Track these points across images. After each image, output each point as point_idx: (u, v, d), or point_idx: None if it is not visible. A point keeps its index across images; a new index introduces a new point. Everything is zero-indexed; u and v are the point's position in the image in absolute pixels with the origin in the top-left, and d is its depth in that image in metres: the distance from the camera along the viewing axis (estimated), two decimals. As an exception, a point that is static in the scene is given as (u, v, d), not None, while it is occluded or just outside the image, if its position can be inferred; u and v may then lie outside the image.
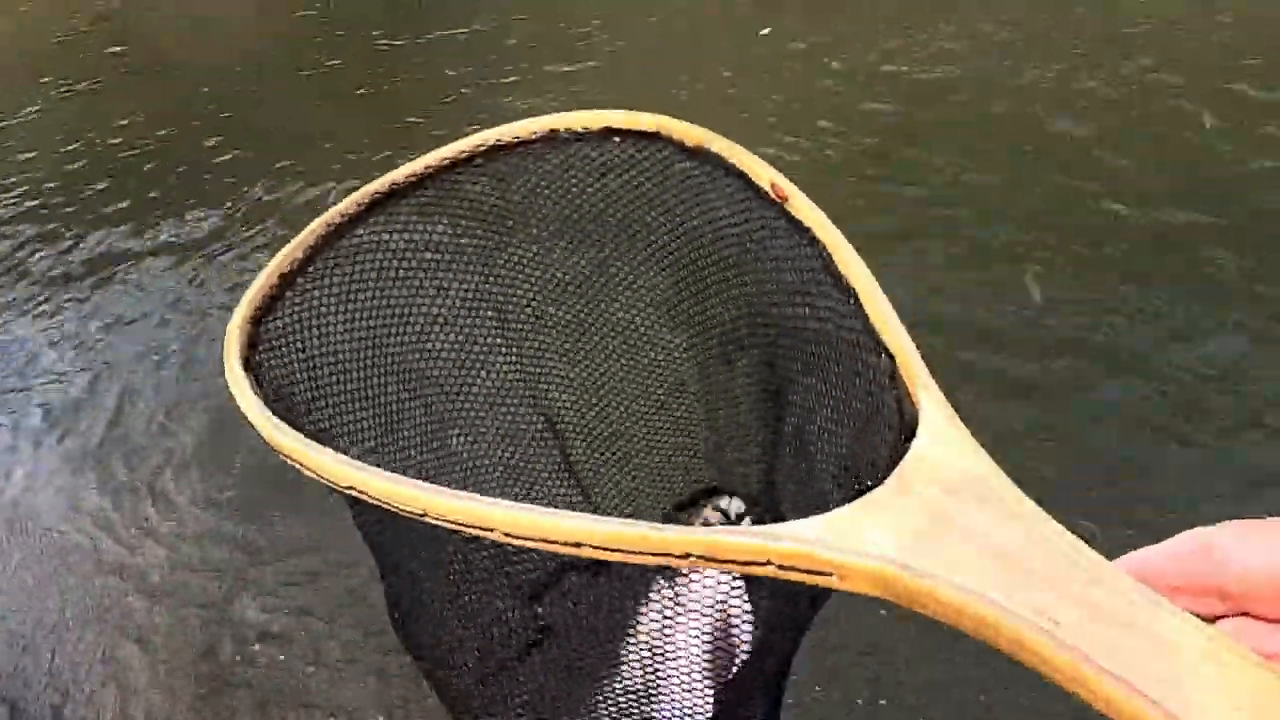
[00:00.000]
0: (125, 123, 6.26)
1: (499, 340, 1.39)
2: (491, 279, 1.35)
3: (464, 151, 1.26)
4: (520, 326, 1.39)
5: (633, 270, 1.32)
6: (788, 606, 1.00)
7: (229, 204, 5.05)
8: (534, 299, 1.38)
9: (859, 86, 4.91)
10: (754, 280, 1.08)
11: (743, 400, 1.21)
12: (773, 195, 0.99)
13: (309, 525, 2.90)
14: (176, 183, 5.48)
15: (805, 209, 0.95)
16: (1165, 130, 4.44)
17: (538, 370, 1.42)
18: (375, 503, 0.82)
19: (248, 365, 1.02)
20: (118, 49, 7.56)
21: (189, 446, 3.29)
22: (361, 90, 6.00)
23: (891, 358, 0.77)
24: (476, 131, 1.26)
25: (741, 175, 1.06)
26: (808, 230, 0.93)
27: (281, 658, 2.48)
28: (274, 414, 0.92)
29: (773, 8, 5.92)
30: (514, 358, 1.41)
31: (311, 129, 5.52)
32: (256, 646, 2.48)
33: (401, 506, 0.80)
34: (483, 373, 1.37)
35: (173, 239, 4.86)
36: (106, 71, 7.14)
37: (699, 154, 1.12)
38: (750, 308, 1.12)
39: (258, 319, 1.09)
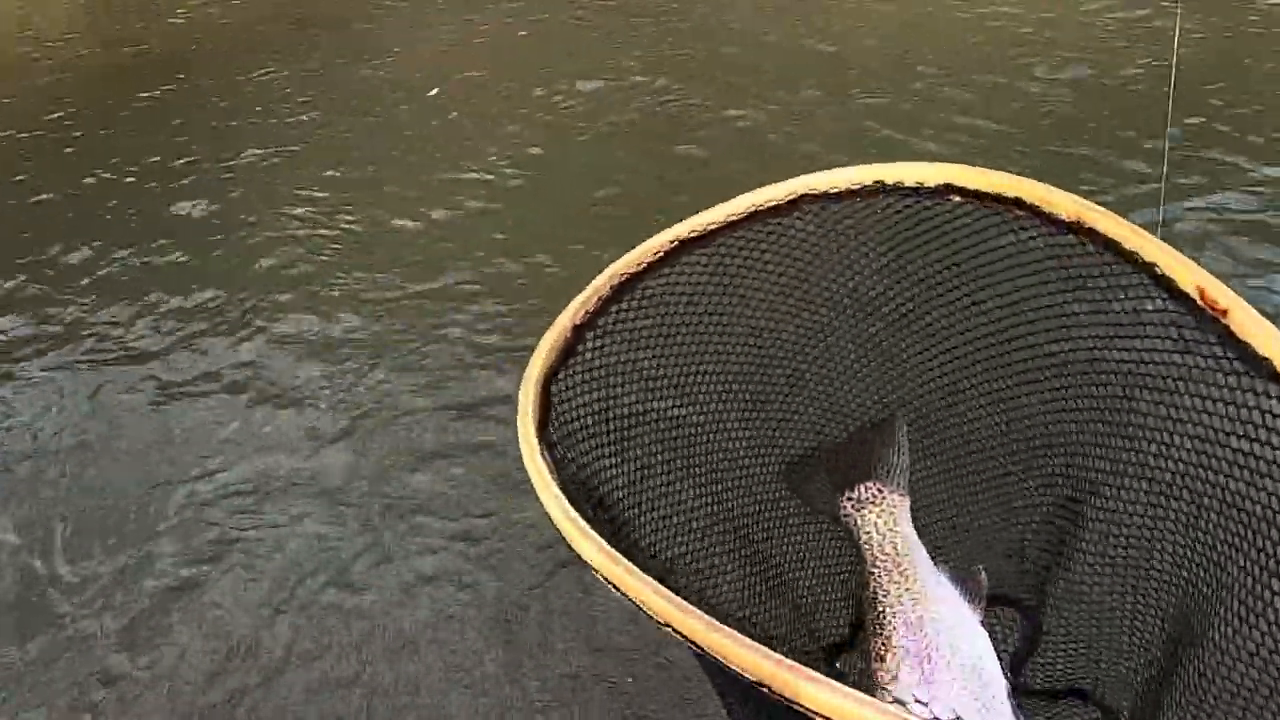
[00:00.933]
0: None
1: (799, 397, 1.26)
2: (792, 332, 1.22)
3: (772, 200, 1.13)
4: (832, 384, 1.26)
5: (962, 355, 1.15)
6: None
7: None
8: (842, 364, 1.24)
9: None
10: (1149, 411, 0.89)
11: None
12: (1200, 303, 0.79)
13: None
14: None
15: (1250, 324, 0.75)
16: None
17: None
18: (693, 647, 0.71)
19: (543, 437, 0.94)
20: None
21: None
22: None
23: None
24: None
25: (1138, 263, 0.86)
26: (1256, 354, 0.73)
27: None
28: (572, 504, 0.84)
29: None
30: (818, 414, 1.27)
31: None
32: None
33: (730, 663, 0.68)
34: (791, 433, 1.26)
35: None
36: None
37: (1072, 228, 0.94)
38: (1141, 445, 0.92)
39: (550, 377, 1.02)
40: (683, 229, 1.13)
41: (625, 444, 1.07)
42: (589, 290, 1.08)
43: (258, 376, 3.38)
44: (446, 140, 4.69)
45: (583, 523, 0.79)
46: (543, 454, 0.89)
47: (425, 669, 2.27)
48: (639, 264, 1.12)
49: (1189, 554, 0.95)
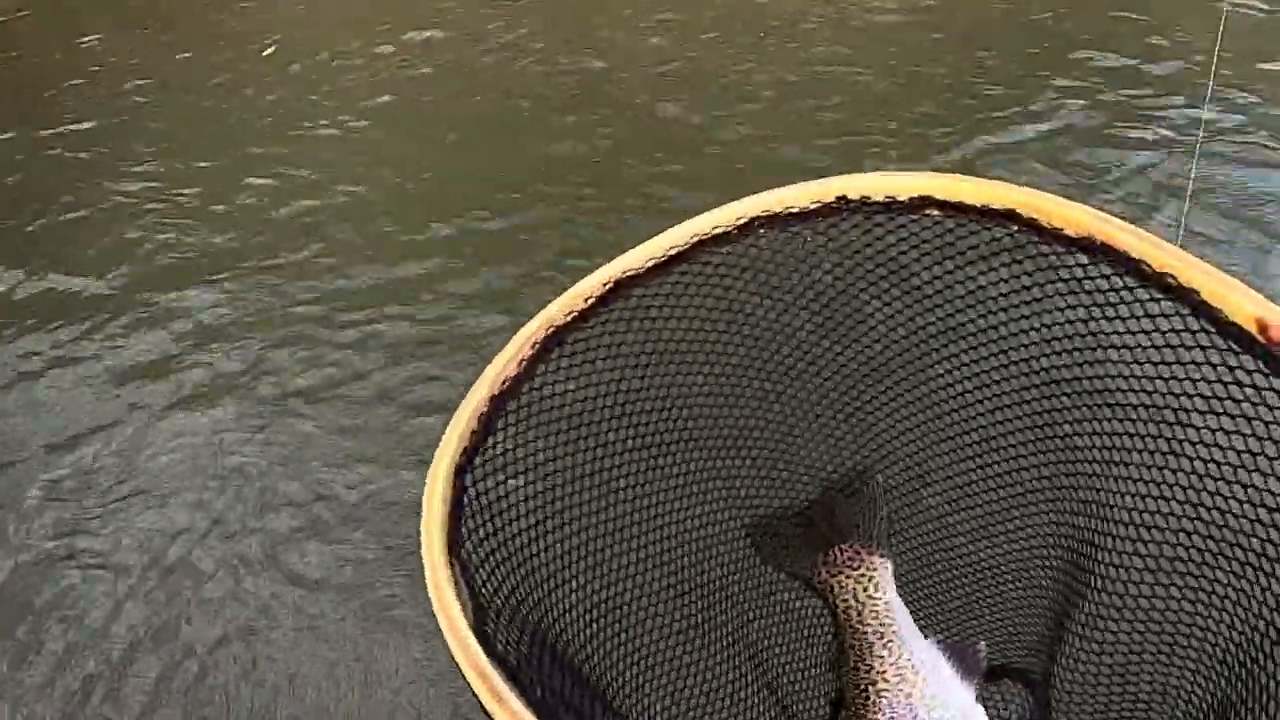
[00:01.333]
0: None
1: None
2: (752, 379, 1.05)
3: (719, 226, 0.96)
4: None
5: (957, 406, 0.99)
6: None
7: None
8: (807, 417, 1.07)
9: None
10: (1178, 466, 0.75)
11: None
12: (1261, 339, 0.64)
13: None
14: None
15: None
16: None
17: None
18: None
19: (453, 543, 0.74)
20: None
21: None
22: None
23: None
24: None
25: (1171, 287, 0.71)
26: None
27: None
28: (489, 649, 0.64)
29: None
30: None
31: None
32: None
33: None
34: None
35: None
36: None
37: (1082, 245, 0.78)
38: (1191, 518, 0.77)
39: (465, 464, 0.82)
40: (615, 269, 0.95)
41: (562, 526, 0.89)
42: (507, 352, 0.89)
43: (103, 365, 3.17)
44: (288, 100, 4.44)
45: (502, 686, 0.60)
46: (452, 573, 0.70)
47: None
48: (567, 313, 0.93)
49: (1228, 630, 0.81)
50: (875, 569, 1.11)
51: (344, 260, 3.45)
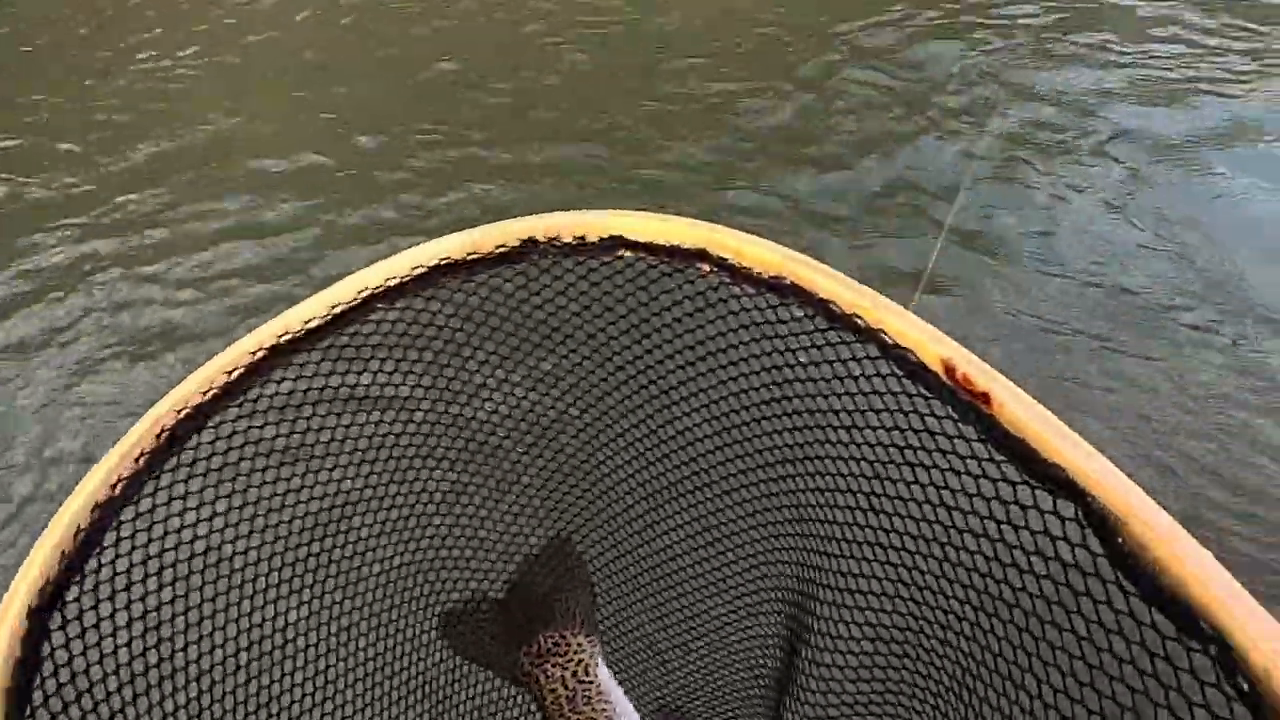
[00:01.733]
0: None
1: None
2: (431, 446, 0.92)
3: (393, 277, 0.83)
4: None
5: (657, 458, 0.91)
6: None
7: None
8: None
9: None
10: (890, 508, 0.70)
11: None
12: (948, 382, 0.59)
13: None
14: None
15: (1024, 415, 0.56)
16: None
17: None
18: None
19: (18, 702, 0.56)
20: None
21: None
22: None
23: (1226, 645, 0.44)
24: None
25: (860, 329, 0.66)
26: (1035, 455, 0.54)
27: None
28: None
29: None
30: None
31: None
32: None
33: None
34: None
35: None
36: None
37: (772, 286, 0.72)
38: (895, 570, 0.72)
39: (52, 599, 0.64)
40: (267, 333, 0.79)
41: (188, 666, 0.71)
42: (120, 447, 0.71)
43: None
44: (154, 38, 4.07)
45: None
46: None
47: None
48: (204, 392, 0.76)
49: (954, 684, 0.77)
50: (582, 651, 1.00)
51: (208, 223, 3.27)
